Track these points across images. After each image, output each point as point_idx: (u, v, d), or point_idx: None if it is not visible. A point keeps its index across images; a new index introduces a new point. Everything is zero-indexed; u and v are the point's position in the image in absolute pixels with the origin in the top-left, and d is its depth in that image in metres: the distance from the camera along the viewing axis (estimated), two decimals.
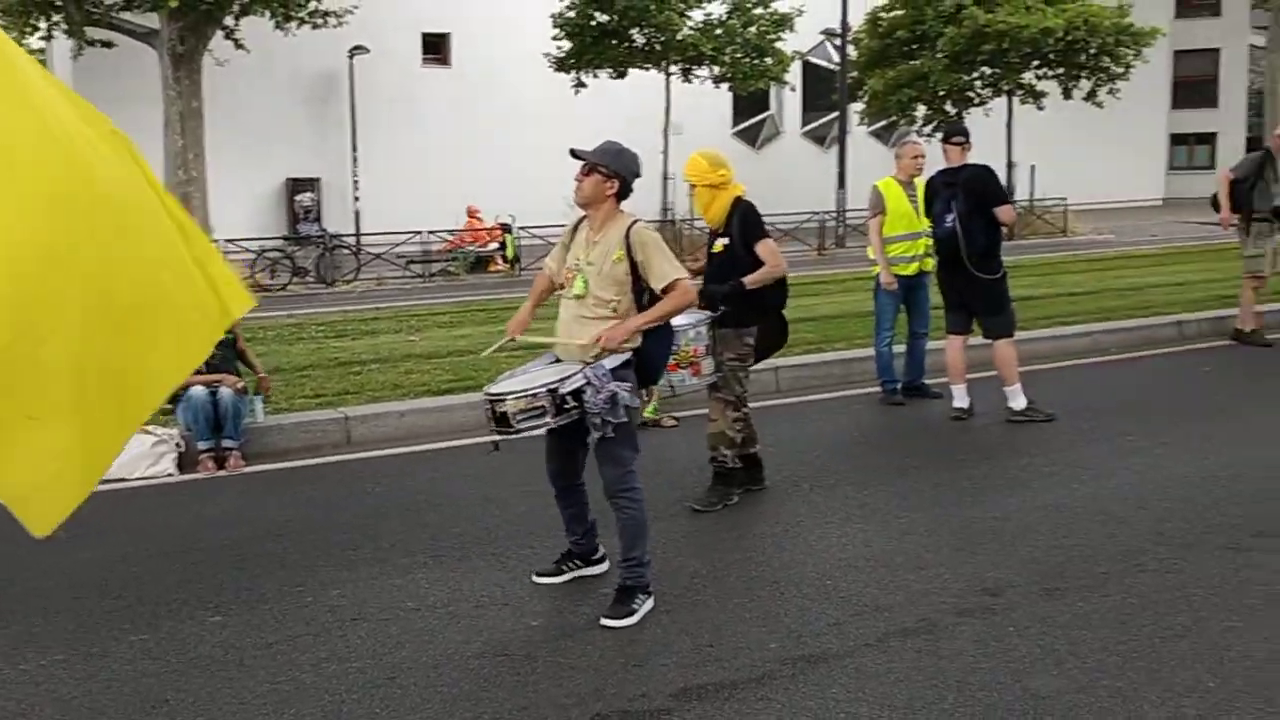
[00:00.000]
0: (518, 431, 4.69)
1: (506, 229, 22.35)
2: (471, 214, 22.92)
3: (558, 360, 4.90)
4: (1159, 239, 24.60)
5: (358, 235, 24.79)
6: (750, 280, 6.01)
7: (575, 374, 4.65)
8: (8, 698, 4.12)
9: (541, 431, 4.80)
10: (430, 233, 21.86)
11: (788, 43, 26.88)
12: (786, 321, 6.47)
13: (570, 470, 5.03)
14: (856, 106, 30.25)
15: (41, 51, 29.26)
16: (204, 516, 6.30)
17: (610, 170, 4.78)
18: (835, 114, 29.15)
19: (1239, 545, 5.31)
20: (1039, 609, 4.67)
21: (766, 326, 6.32)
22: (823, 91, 34.62)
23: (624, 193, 4.84)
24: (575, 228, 5.00)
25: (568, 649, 4.44)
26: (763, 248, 6.07)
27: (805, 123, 36.58)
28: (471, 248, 22.18)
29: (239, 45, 22.50)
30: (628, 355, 4.79)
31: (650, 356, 4.90)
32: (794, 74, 29.03)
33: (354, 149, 28.38)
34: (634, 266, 4.74)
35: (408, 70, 30.55)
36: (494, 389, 4.77)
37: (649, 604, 4.78)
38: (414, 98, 30.33)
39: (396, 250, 21.61)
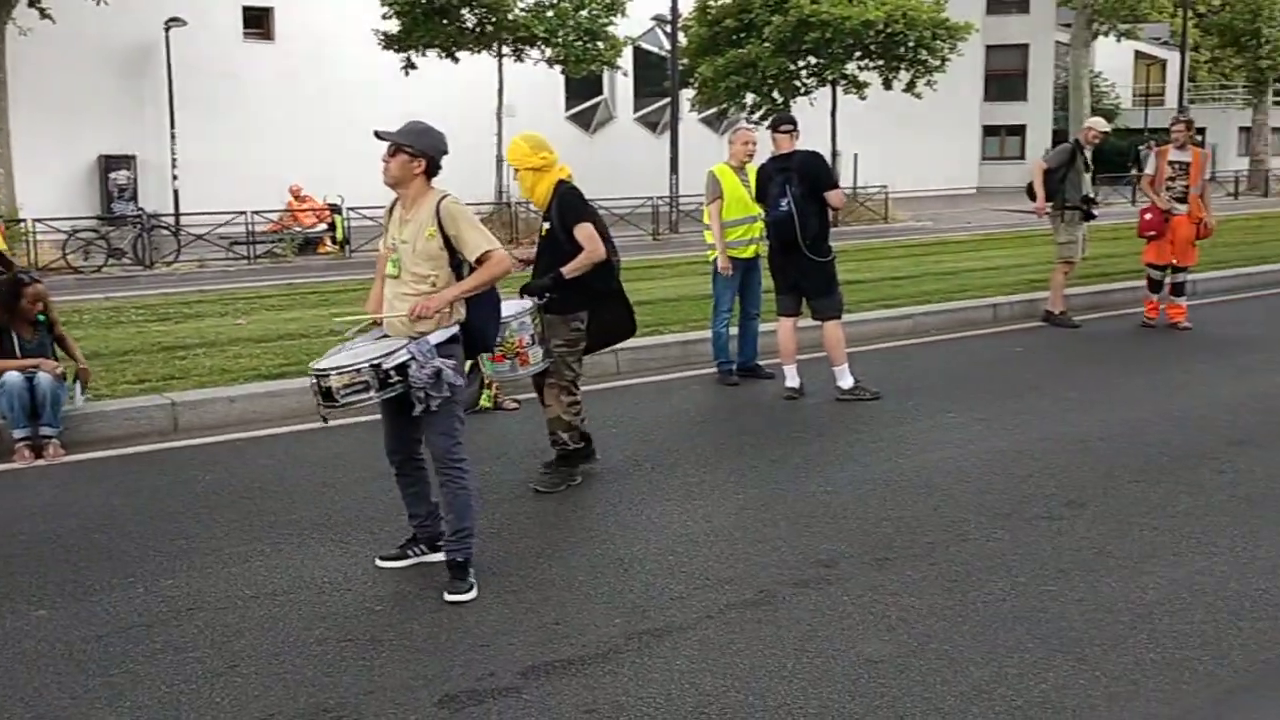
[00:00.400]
0: (343, 406, 4.73)
1: (336, 210, 21.85)
2: (295, 194, 22.29)
3: (386, 337, 4.90)
4: (973, 226, 25.77)
5: (177, 215, 23.82)
6: (567, 270, 6.03)
7: (399, 349, 4.69)
8: None
9: (367, 404, 4.80)
10: (255, 213, 21.17)
11: (619, 28, 27.03)
12: (631, 308, 6.53)
13: (405, 446, 5.03)
14: (688, 93, 30.65)
15: None
16: (23, 507, 6.00)
17: (416, 150, 4.80)
18: (667, 100, 29.48)
19: (1053, 515, 5.65)
20: (870, 578, 4.88)
21: (612, 315, 6.36)
22: (654, 78, 34.95)
23: (432, 170, 4.87)
24: (391, 208, 5.01)
25: (413, 632, 4.42)
26: (580, 232, 6.08)
27: (638, 108, 36.83)
28: (299, 229, 21.59)
29: (44, 14, 21.32)
30: (454, 330, 4.84)
31: (477, 327, 4.96)
32: (626, 59, 29.20)
33: (172, 125, 27.18)
34: (448, 241, 4.77)
35: (228, 44, 29.43)
36: (319, 364, 4.80)
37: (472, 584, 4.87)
38: (236, 73, 29.24)
39: (219, 231, 20.86)
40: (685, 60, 28.97)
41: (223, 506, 5.96)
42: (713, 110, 32.15)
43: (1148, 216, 11.07)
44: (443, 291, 4.77)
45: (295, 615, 4.57)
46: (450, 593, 4.76)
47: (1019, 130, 46.23)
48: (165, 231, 21.40)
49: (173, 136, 27.15)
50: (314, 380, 4.77)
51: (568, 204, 6.09)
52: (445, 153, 4.89)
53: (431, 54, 25.96)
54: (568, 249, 6.06)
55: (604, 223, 6.33)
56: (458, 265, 4.83)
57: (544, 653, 4.21)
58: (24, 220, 19.66)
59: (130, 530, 5.59)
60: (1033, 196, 11.27)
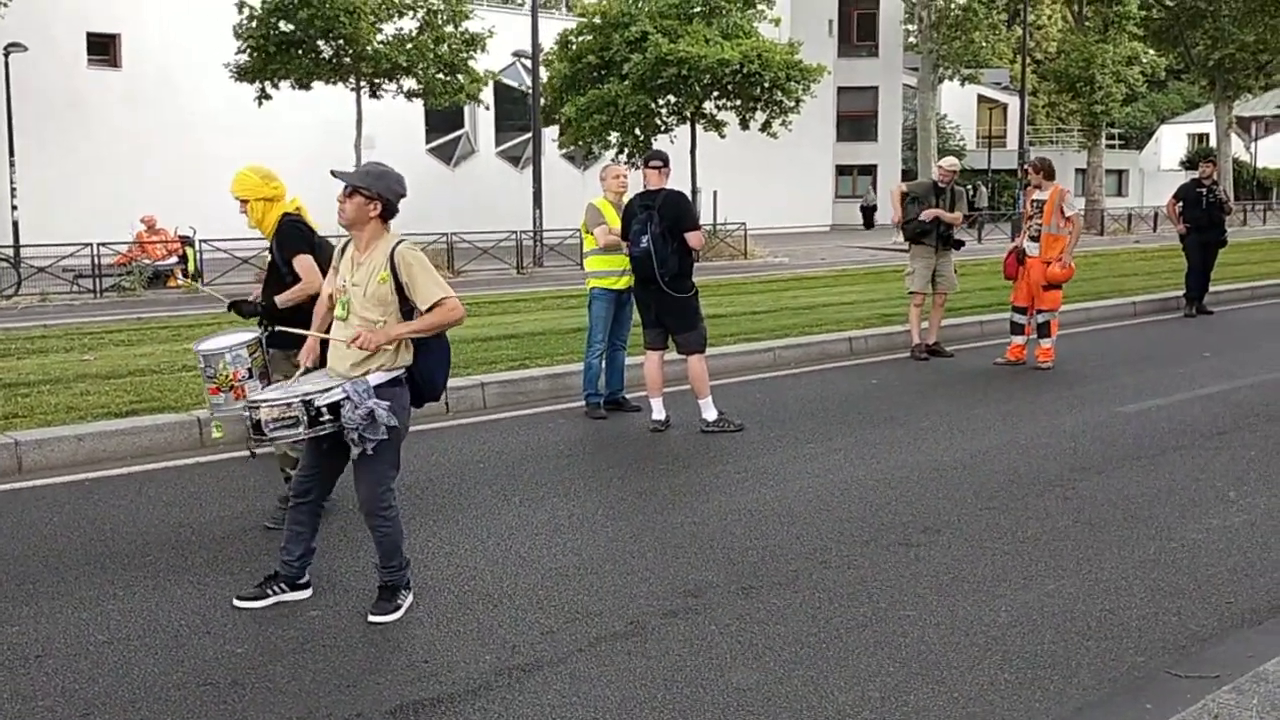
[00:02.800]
0: (271, 440, 4.72)
1: (188, 241, 21.21)
2: (148, 225, 21.59)
3: (328, 375, 4.83)
4: (828, 262, 26.47)
5: (16, 246, 22.83)
6: (282, 299, 5.96)
7: (335, 387, 4.63)
8: None
9: (296, 440, 4.77)
10: (101, 245, 20.39)
11: (480, 62, 27.05)
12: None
13: (318, 487, 4.96)
14: (550, 130, 30.79)
15: None
16: None
17: (372, 193, 4.75)
18: (529, 135, 29.57)
19: (909, 541, 5.84)
20: (737, 607, 4.97)
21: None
22: (516, 112, 35.08)
23: (389, 213, 4.82)
24: (344, 248, 4.95)
25: (276, 673, 4.32)
26: (300, 263, 5.99)
27: (499, 142, 36.89)
28: (148, 262, 20.88)
29: None
30: (398, 373, 4.78)
31: (425, 374, 4.88)
32: (487, 94, 29.23)
33: (11, 153, 26.06)
34: (400, 287, 4.72)
35: (72, 71, 28.48)
36: (255, 395, 4.80)
37: (410, 598, 4.92)
38: (80, 100, 28.30)
39: (63, 263, 20.03)
40: (547, 96, 29.14)
41: (71, 549, 5.72)
42: (576, 148, 32.39)
43: (1007, 258, 11.48)
44: (390, 327, 4.71)
45: (151, 660, 4.41)
46: (374, 613, 4.78)
47: (870, 169, 47.81)
48: (4, 263, 20.44)
49: (12, 164, 26.02)
50: (245, 412, 4.77)
51: (288, 234, 6.01)
52: (403, 195, 4.84)
53: (285, 85, 25.54)
54: (289, 282, 6.00)
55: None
56: (409, 313, 4.77)
57: (413, 691, 4.16)
58: None
59: None
60: (867, 218, 11.57)
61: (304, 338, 5.78)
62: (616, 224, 8.84)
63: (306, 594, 5.05)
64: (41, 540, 5.88)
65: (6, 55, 25.39)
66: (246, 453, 4.83)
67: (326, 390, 4.65)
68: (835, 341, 12.26)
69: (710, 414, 8.40)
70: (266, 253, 6.19)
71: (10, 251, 21.88)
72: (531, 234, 25.58)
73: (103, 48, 29.45)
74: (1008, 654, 4.47)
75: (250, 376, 5.72)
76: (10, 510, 6.46)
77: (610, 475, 7.25)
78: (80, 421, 7.95)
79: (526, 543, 5.85)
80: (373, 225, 4.82)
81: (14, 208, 25.81)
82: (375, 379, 4.73)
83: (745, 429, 8.34)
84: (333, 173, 4.93)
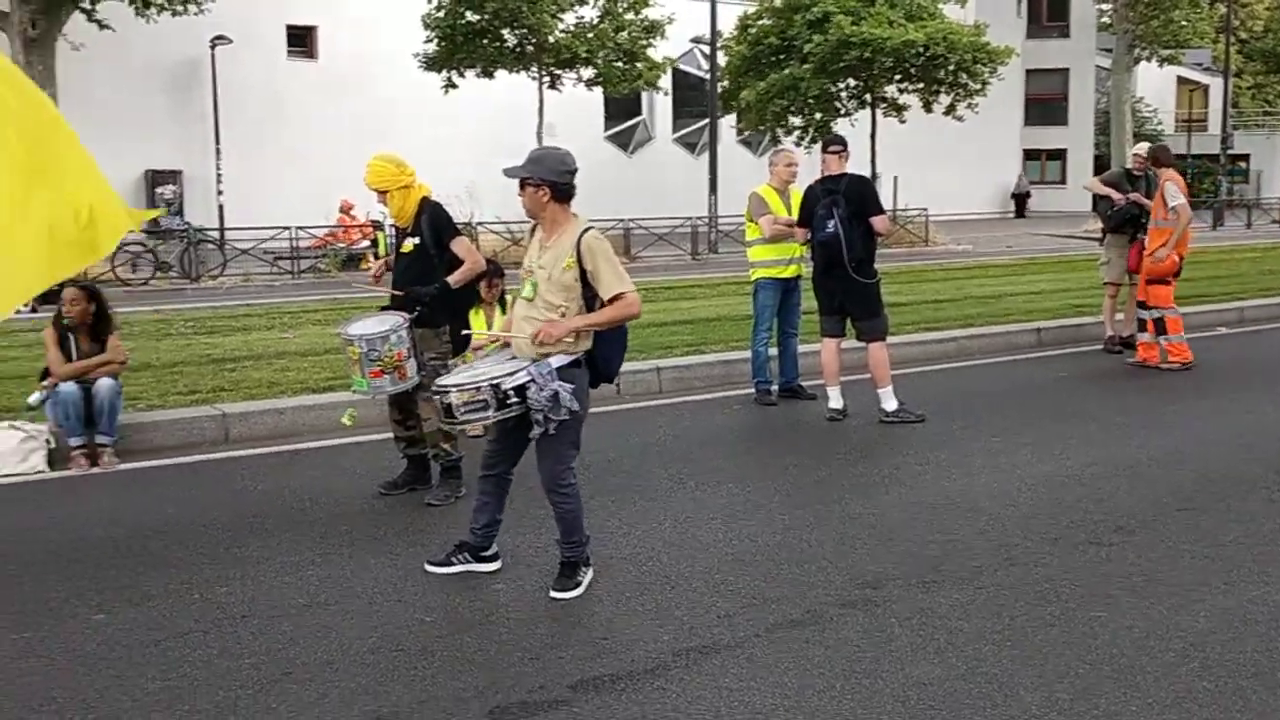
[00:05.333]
0: (462, 422, 4.88)
1: (378, 226, 22.03)
2: (345, 209, 22.54)
3: (513, 358, 4.98)
4: (1015, 250, 25.65)
5: (222, 230, 24.14)
6: (454, 279, 6.14)
7: (520, 370, 4.77)
8: None
9: (486, 422, 4.92)
10: (299, 229, 21.41)
11: (658, 49, 27.18)
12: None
13: (504, 462, 5.12)
14: (729, 117, 30.73)
15: None
16: (80, 514, 6.11)
17: (536, 179, 4.87)
18: (705, 121, 29.58)
19: (1100, 540, 5.63)
20: (918, 600, 4.88)
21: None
22: (693, 98, 35.11)
23: (561, 195, 4.90)
24: (533, 230, 5.10)
25: (463, 643, 4.46)
26: (459, 245, 6.18)
27: (676, 128, 37.01)
28: (342, 245, 21.82)
29: (103, 26, 21.66)
30: (577, 355, 4.89)
31: (603, 358, 5.00)
32: (665, 80, 29.36)
33: (217, 141, 27.60)
34: (584, 275, 4.83)
35: (273, 62, 29.87)
36: (443, 380, 4.96)
37: (590, 575, 5.03)
38: (280, 90, 29.66)
39: (264, 246, 21.11)
40: (725, 81, 29.08)
41: (274, 516, 6.05)
42: (754, 133, 32.25)
43: (1131, 251, 10.83)
44: (569, 320, 4.83)
45: (347, 625, 4.62)
46: (556, 589, 4.91)
47: (1060, 154, 46.06)
48: (211, 246, 21.69)
49: (218, 152, 27.55)
50: (436, 396, 4.96)
51: (442, 220, 6.20)
52: (569, 172, 4.92)
53: (470, 74, 26.20)
54: (437, 262, 6.14)
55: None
56: (590, 298, 4.88)
57: (593, 667, 4.24)
58: None
59: (185, 538, 5.68)
60: (1104, 212, 11.15)
61: (448, 317, 5.99)
62: (781, 212, 8.77)
63: (494, 566, 5.21)
64: (247, 507, 6.23)
65: (213, 48, 26.86)
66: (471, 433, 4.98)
67: (512, 374, 4.77)
68: (1022, 332, 11.89)
69: (890, 404, 8.26)
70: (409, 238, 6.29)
71: (216, 235, 23.17)
72: (707, 220, 25.61)
73: (301, 40, 30.81)
74: (1207, 661, 4.26)
75: (409, 357, 5.93)
76: (219, 478, 6.87)
77: (786, 463, 7.21)
78: (281, 396, 8.38)
79: (703, 527, 5.88)
80: (550, 209, 4.92)
81: (219, 193, 27.34)
82: (557, 361, 4.84)
83: (926, 420, 8.17)
84: (504, 171, 5.05)
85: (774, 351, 9.12)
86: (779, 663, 4.27)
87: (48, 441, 6.97)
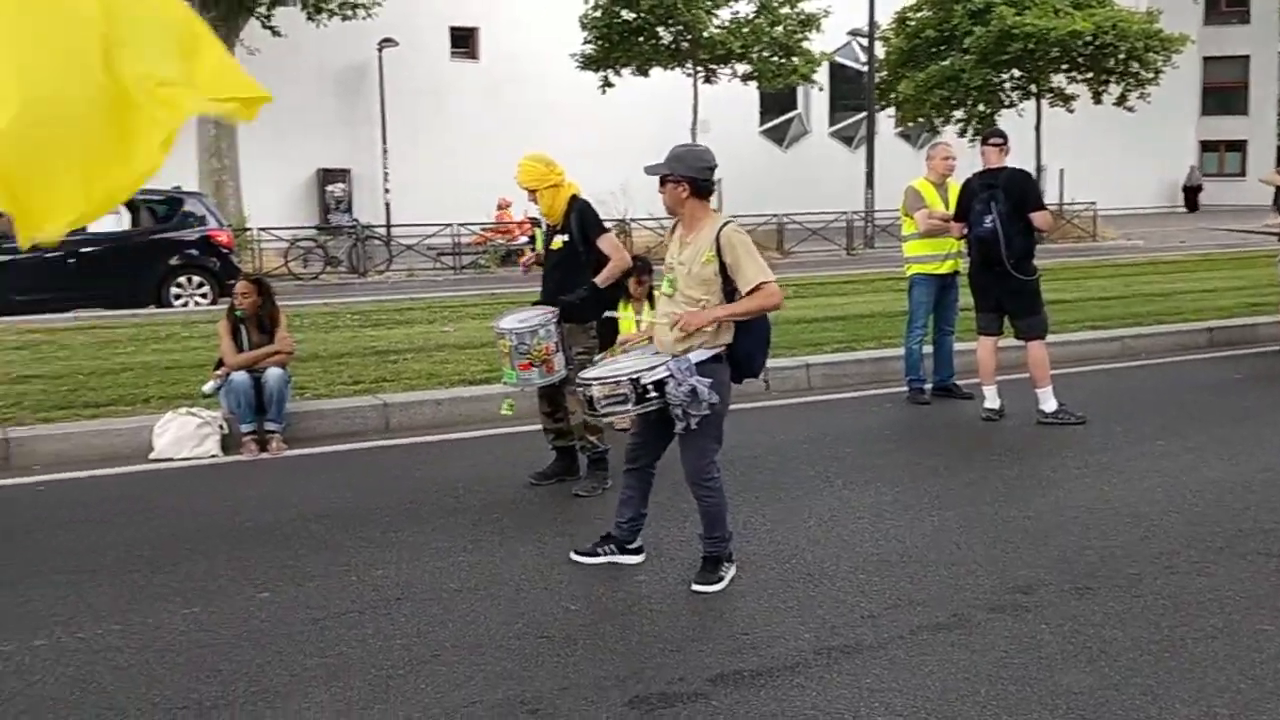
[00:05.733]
0: (603, 415, 4.98)
1: (536, 223, 22.46)
2: (501, 206, 23.05)
3: (658, 353, 5.05)
4: (1188, 246, 24.52)
5: (388, 226, 24.98)
6: (602, 279, 6.22)
7: (659, 365, 4.84)
8: (68, 664, 4.25)
9: (627, 415, 5.01)
10: (461, 225, 22.01)
11: (814, 43, 26.93)
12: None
13: (646, 455, 5.19)
14: (886, 110, 30.24)
15: None
16: (249, 497, 6.44)
17: (675, 176, 4.92)
18: (862, 114, 29.17)
19: (1270, 551, 5.35)
20: (1071, 607, 4.73)
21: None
22: (850, 92, 34.66)
23: (700, 191, 4.96)
24: (673, 228, 5.17)
25: (606, 633, 4.53)
26: (605, 242, 6.27)
27: (833, 122, 36.59)
28: (501, 241, 22.33)
29: (276, 33, 22.65)
30: (718, 350, 4.93)
31: (745, 353, 5.02)
32: (821, 74, 29.06)
33: (384, 141, 28.56)
34: (724, 268, 4.86)
35: (436, 64, 30.73)
36: (585, 374, 5.08)
37: (733, 571, 5.06)
38: (443, 91, 30.49)
39: (427, 242, 21.76)
40: (883, 73, 28.61)
41: (429, 503, 6.25)
42: (913, 126, 31.64)
43: None
44: (710, 309, 4.87)
45: (494, 610, 4.75)
46: (698, 583, 4.94)
47: (1240, 145, 43.76)
48: (377, 242, 22.47)
49: (384, 151, 28.50)
50: (579, 389, 5.07)
51: (589, 217, 6.30)
52: (708, 168, 4.98)
53: (626, 72, 26.44)
54: (585, 259, 6.22)
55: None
56: (730, 293, 4.91)
57: (733, 661, 4.25)
58: (250, 229, 20.98)
59: (345, 521, 5.93)
60: None
61: (596, 313, 6.08)
62: (938, 206, 8.60)
63: (638, 559, 5.27)
64: (405, 494, 6.45)
65: (380, 51, 27.79)
66: (619, 427, 5.08)
67: (651, 368, 4.83)
68: (1193, 331, 11.38)
69: (1049, 404, 8.02)
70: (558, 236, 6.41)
71: (383, 231, 23.98)
72: (863, 215, 25.26)
73: (463, 41, 31.61)
74: None
75: (557, 350, 6.06)
76: (379, 465, 7.13)
77: (937, 463, 7.08)
78: (439, 387, 8.65)
79: (849, 525, 5.82)
80: (690, 205, 4.96)
81: (386, 191, 28.29)
82: (697, 356, 4.87)
83: (1087, 422, 7.90)
84: (646, 169, 5.10)
85: (928, 349, 8.95)
86: (922, 665, 4.21)
87: (221, 428, 7.36)
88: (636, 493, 5.23)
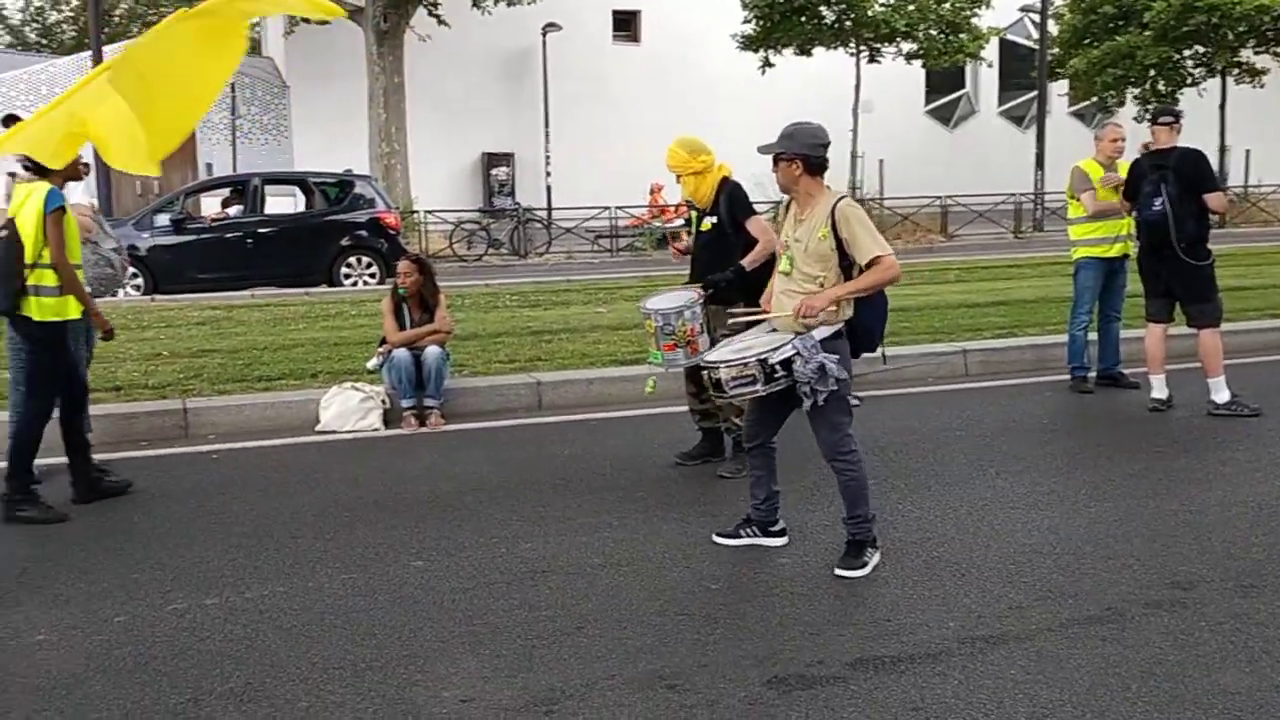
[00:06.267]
0: (732, 397, 5.00)
1: (692, 206, 22.56)
2: (654, 190, 23.20)
3: (775, 331, 5.07)
4: None
5: (549, 209, 25.41)
6: (749, 261, 6.15)
7: (785, 345, 4.84)
8: (235, 622, 4.51)
9: (755, 395, 5.01)
10: (618, 208, 22.24)
11: (984, 19, 26.17)
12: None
13: (765, 432, 5.20)
14: (1057, 86, 29.21)
15: (254, 28, 30.88)
16: (407, 470, 6.69)
17: (788, 153, 4.91)
18: (1034, 93, 28.22)
19: None
20: (1233, 605, 4.53)
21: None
22: (1020, 70, 33.55)
23: (814, 168, 4.94)
24: (787, 205, 5.16)
25: (746, 613, 4.55)
26: (754, 225, 6.21)
27: (1003, 101, 35.53)
28: (657, 224, 22.47)
29: (441, 21, 23.28)
30: (839, 326, 4.92)
31: (864, 327, 5.01)
32: (991, 51, 28.23)
33: (546, 125, 29.03)
34: (840, 243, 4.84)
35: (599, 47, 31.05)
36: (709, 356, 5.11)
37: (877, 556, 5.02)
38: (605, 75, 30.80)
39: (586, 225, 22.06)
40: (1055, 51, 27.61)
41: (577, 480, 6.38)
42: (1089, 105, 30.47)
43: None
44: (827, 290, 4.86)
45: (637, 586, 4.82)
46: (841, 567, 4.92)
47: None
48: (538, 225, 22.90)
49: (547, 135, 28.97)
50: (705, 372, 5.12)
51: (738, 199, 6.27)
52: (823, 144, 4.97)
53: (787, 52, 26.21)
54: (734, 240, 6.18)
55: None
56: (848, 267, 4.90)
57: (874, 647, 4.22)
58: (417, 211, 21.66)
59: (497, 495, 6.11)
60: None
61: (743, 295, 6.07)
62: (1107, 195, 8.27)
63: (780, 542, 5.28)
64: (555, 469, 6.60)
65: (544, 35, 28.23)
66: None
67: (777, 348, 4.82)
68: None
69: (1222, 395, 7.66)
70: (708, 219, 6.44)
71: (544, 214, 24.42)
72: (1032, 196, 24.48)
73: (625, 24, 31.85)
74: None
75: (702, 331, 6.08)
76: (531, 441, 7.31)
77: (1098, 454, 6.85)
78: (591, 367, 8.80)
79: (1000, 515, 5.70)
80: (804, 183, 4.94)
81: (548, 174, 28.77)
82: (820, 333, 4.84)
83: (1262, 414, 7.52)
84: (759, 149, 5.07)
85: (1093, 336, 8.65)
86: (1070, 659, 4.10)
87: (383, 402, 7.66)
88: (764, 471, 5.24)
